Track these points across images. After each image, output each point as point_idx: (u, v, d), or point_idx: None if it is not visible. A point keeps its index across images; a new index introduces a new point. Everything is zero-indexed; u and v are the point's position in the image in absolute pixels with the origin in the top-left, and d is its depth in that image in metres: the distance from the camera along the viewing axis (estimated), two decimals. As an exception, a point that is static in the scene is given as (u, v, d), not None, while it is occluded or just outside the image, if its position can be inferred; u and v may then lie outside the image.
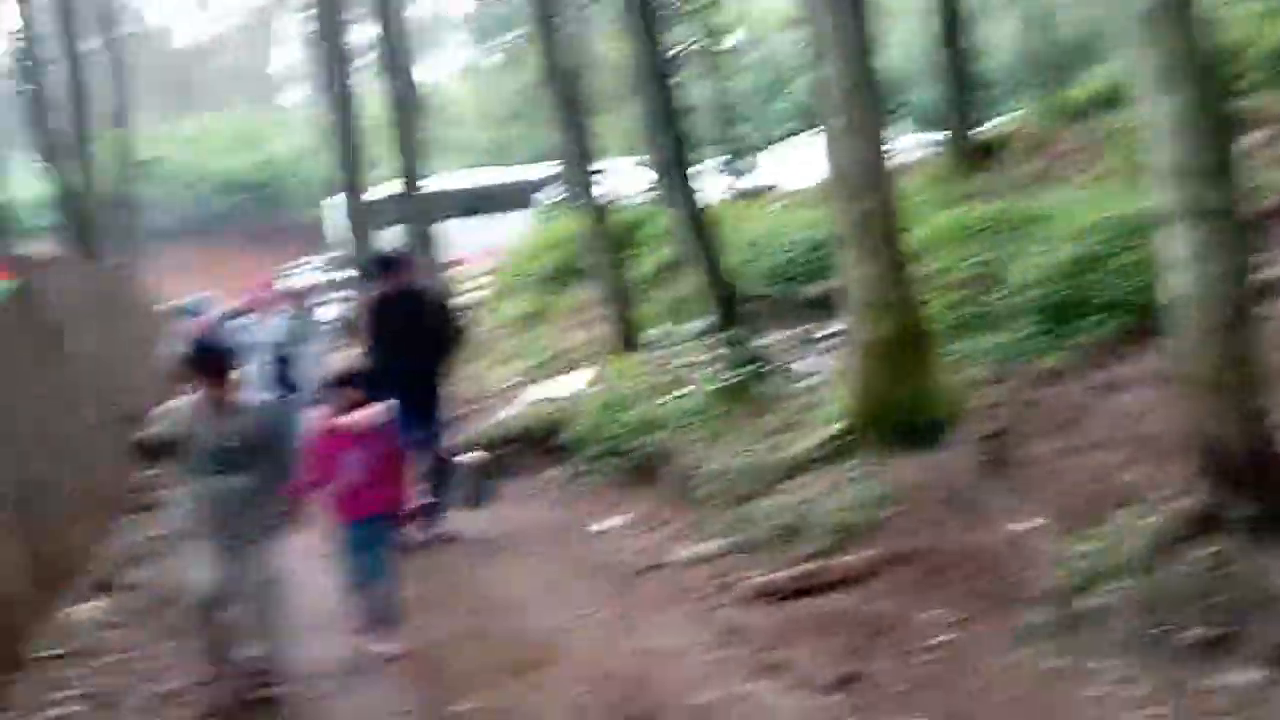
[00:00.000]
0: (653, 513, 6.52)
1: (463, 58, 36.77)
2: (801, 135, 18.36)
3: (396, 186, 19.10)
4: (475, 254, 21.66)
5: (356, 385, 4.86)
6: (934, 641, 4.01)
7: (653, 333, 10.34)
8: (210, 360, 4.46)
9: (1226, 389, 3.69)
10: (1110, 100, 9.99)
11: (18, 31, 15.82)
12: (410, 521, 5.41)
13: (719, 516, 5.86)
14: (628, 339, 9.76)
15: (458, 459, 6.97)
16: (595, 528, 6.49)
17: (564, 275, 13.94)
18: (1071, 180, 9.18)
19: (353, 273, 11.43)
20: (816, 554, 4.97)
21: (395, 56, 18.54)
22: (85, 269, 12.08)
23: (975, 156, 10.50)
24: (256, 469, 4.31)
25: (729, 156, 17.36)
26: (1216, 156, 3.78)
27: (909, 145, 16.57)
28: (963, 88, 10.79)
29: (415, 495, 5.24)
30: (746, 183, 20.08)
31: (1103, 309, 6.22)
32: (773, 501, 5.62)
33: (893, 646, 4.02)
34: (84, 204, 15.12)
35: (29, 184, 21.35)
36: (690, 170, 8.29)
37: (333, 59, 17.78)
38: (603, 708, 3.86)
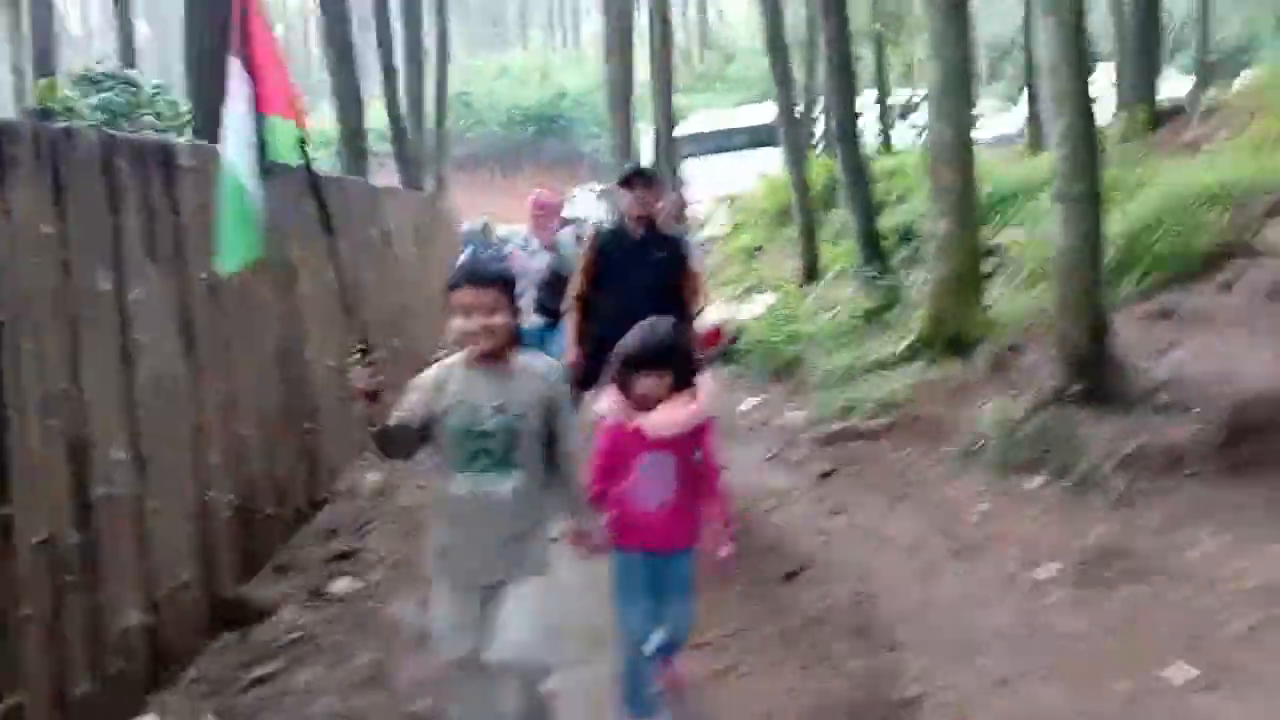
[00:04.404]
0: (780, 397, 9.42)
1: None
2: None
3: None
4: (730, 190, 24.72)
5: (672, 362, 3.40)
6: (891, 463, 6.73)
7: (839, 267, 13.06)
8: (482, 276, 2.97)
9: (1073, 304, 6.12)
10: None
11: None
12: (726, 568, 3.53)
13: (816, 398, 8.67)
14: (810, 271, 12.50)
15: None
16: (739, 405, 9.46)
17: (787, 213, 16.71)
18: (1210, 148, 10.86)
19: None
20: (860, 419, 7.72)
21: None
22: (408, 197, 15.88)
23: (1148, 124, 12.19)
24: (535, 462, 3.05)
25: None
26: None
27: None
28: (1143, 54, 12.43)
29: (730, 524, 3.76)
30: (991, 131, 21.72)
31: (1148, 265, 8.35)
32: (851, 388, 8.37)
33: (866, 464, 6.81)
34: (412, 136, 19.57)
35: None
36: (854, 124, 10.72)
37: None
38: (683, 482, 6.87)
